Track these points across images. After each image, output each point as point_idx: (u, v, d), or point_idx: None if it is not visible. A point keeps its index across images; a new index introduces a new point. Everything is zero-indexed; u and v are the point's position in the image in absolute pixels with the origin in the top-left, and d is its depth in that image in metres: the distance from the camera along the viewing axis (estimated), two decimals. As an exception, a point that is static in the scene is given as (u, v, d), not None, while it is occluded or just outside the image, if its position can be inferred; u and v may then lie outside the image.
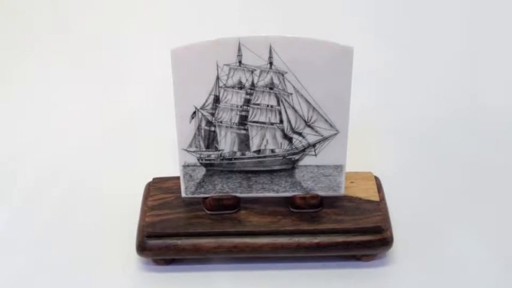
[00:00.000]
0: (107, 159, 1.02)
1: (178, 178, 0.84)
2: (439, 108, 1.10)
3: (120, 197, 0.94)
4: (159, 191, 0.87)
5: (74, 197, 0.95)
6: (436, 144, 1.04)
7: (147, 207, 0.85)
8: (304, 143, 0.82)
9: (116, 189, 0.96)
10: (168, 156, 0.97)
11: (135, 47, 1.19)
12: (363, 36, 1.12)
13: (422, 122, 1.08)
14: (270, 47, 0.76)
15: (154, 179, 0.90)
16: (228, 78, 0.78)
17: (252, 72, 0.78)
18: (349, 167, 0.83)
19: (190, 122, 0.80)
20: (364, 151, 0.99)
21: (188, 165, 0.83)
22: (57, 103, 1.12)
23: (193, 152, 0.82)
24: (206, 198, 0.84)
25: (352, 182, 0.88)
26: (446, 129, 1.06)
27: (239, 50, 0.76)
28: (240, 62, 0.77)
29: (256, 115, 0.80)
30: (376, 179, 0.90)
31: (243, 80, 0.78)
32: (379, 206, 0.85)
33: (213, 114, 0.80)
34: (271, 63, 0.77)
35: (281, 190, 0.84)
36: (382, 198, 0.87)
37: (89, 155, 1.03)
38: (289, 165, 0.83)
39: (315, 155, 0.82)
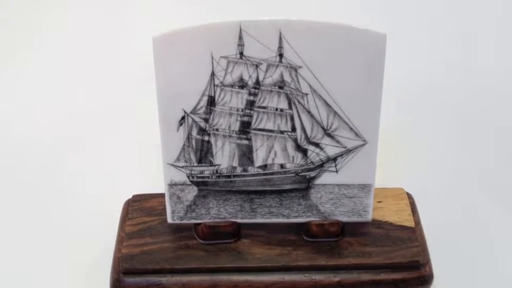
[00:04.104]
0: (79, 168, 0.98)
1: (164, 196, 0.80)
2: (471, 104, 1.08)
3: (92, 218, 0.89)
4: (139, 213, 0.82)
5: (34, 217, 0.91)
6: (476, 148, 1.00)
7: (124, 234, 0.80)
8: (322, 156, 0.77)
9: (87, 207, 0.91)
10: (153, 167, 0.91)
11: (119, 36, 1.20)
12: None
13: (457, 123, 1.05)
14: (280, 33, 0.71)
15: (134, 196, 0.85)
16: (226, 74, 0.74)
17: (257, 66, 0.73)
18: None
19: (177, 129, 0.76)
20: (392, 161, 0.96)
21: (175, 184, 0.78)
22: (36, 98, 1.11)
23: (182, 167, 0.78)
24: (198, 224, 0.79)
25: (379, 202, 0.82)
26: (485, 128, 1.04)
27: (240, 37, 0.72)
28: (241, 53, 0.72)
29: (261, 121, 0.76)
30: (409, 196, 0.85)
31: (245, 77, 0.74)
32: (415, 234, 0.79)
33: (206, 120, 0.76)
34: (281, 55, 0.73)
35: (293, 215, 0.80)
36: (418, 223, 0.81)
37: (55, 161, 0.99)
38: (303, 184, 0.79)
39: (336, 171, 0.78)
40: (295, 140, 0.76)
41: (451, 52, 1.17)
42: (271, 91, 0.75)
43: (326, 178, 0.78)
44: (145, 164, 0.96)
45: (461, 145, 1.01)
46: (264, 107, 0.75)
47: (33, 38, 1.20)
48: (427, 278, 0.76)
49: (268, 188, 0.78)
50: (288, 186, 0.78)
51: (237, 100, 0.75)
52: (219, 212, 0.79)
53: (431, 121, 1.06)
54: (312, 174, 0.78)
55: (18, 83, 1.13)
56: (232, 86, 0.74)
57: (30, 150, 1.01)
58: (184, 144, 0.76)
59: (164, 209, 0.79)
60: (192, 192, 0.78)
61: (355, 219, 0.79)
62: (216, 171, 0.78)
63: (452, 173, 0.96)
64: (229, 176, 0.78)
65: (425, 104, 1.08)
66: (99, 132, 1.04)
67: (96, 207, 0.90)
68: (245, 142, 0.77)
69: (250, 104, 0.75)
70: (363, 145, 0.76)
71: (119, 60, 1.16)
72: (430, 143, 1.02)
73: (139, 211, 0.82)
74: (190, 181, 0.78)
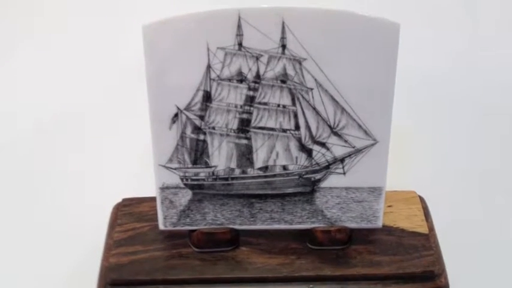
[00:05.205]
0: (66, 169, 0.98)
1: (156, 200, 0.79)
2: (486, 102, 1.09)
3: (78, 223, 0.88)
4: (129, 218, 0.81)
5: (15, 221, 0.90)
6: (493, 147, 1.00)
7: (112, 241, 0.79)
8: (328, 157, 0.76)
9: (73, 212, 0.91)
10: (144, 168, 0.90)
11: (107, 26, 1.22)
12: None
13: (473, 121, 1.05)
14: (283, 22, 0.70)
15: (124, 199, 0.84)
16: (223, 67, 0.72)
17: (257, 58, 0.72)
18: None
19: (170, 128, 0.74)
20: (402, 161, 0.95)
21: (168, 187, 0.77)
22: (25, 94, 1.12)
23: (175, 169, 0.76)
24: (193, 231, 0.78)
25: (390, 206, 0.81)
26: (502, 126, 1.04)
27: (239, 27, 0.70)
28: (240, 44, 0.71)
29: (262, 118, 0.75)
30: (422, 200, 0.83)
31: (245, 70, 0.73)
32: (429, 241, 0.78)
33: (202, 118, 0.75)
34: (283, 46, 0.71)
35: (296, 221, 0.78)
36: (432, 229, 0.80)
37: (41, 162, 0.99)
38: (307, 188, 0.77)
39: (344, 173, 0.76)
40: (299, 139, 0.75)
41: (463, 50, 1.19)
42: (272, 86, 0.73)
43: (333, 181, 0.77)
44: (136, 165, 0.96)
45: (477, 145, 1.02)
46: (265, 103, 0.74)
47: (31, 36, 1.21)
48: (443, 290, 0.75)
49: (270, 192, 0.77)
50: (290, 190, 0.77)
51: (235, 95, 0.74)
52: (216, 217, 0.78)
53: (446, 119, 1.06)
54: (317, 176, 0.77)
55: (11, 83, 1.14)
56: (230, 80, 0.73)
57: (19, 150, 1.01)
58: (177, 144, 0.75)
59: (156, 214, 0.78)
60: (186, 196, 0.77)
61: (364, 225, 0.78)
62: (213, 173, 0.77)
63: (468, 174, 0.97)
64: (226, 179, 0.77)
65: (439, 101, 1.09)
66: (87, 132, 1.04)
67: (83, 211, 0.90)
68: (244, 141, 0.76)
69: (250, 100, 0.74)
70: (373, 145, 0.74)
71: (115, 58, 1.17)
72: (443, 143, 1.02)
73: (129, 216, 0.81)
74: (184, 184, 0.77)
